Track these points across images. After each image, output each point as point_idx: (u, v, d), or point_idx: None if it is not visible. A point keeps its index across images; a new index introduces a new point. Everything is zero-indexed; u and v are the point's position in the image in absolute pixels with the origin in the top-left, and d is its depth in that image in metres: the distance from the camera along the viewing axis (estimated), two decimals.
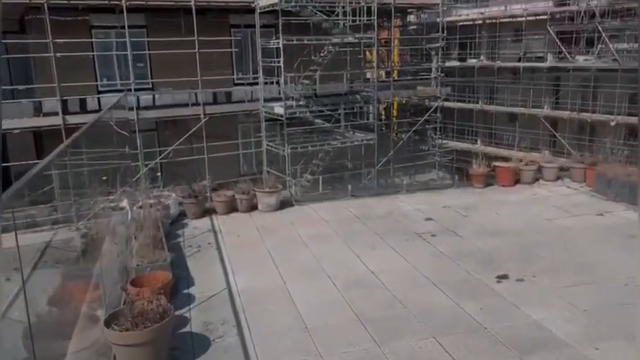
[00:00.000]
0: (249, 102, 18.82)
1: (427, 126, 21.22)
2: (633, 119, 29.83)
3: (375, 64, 17.87)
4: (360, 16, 17.99)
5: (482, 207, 12.55)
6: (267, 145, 18.57)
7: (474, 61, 36.60)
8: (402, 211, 12.60)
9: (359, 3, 17.70)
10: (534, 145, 34.42)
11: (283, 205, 13.19)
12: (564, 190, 13.63)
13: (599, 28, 30.15)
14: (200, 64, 17.15)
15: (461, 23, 36.50)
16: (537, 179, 14.36)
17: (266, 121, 18.59)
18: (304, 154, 18.31)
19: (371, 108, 19.34)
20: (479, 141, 37.58)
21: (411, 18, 28.18)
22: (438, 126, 20.96)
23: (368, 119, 18.76)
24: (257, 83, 18.63)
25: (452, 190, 14.24)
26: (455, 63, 36.09)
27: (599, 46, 30.63)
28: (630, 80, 30.11)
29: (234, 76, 19.44)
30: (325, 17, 17.24)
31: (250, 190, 12.91)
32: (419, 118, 20.65)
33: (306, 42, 17.44)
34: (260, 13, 17.80)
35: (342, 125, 18.41)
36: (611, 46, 30.07)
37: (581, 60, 31.28)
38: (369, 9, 17.91)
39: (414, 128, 20.16)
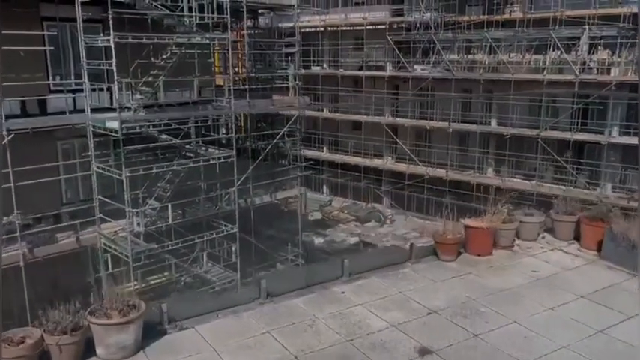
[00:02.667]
0: (71, 113, 14.57)
1: (286, 138, 18.85)
2: (466, 126, 30.81)
3: (230, 69, 15.00)
4: (208, 13, 14.92)
5: (486, 308, 7.81)
6: (98, 167, 14.56)
7: (318, 68, 35.31)
8: (370, 331, 7.18)
9: None
10: (378, 151, 34.18)
11: (147, 333, 6.64)
12: (565, 260, 9.43)
13: (434, 39, 30.63)
14: (0, 66, 12.59)
15: (303, 30, 34.95)
16: (514, 239, 10.34)
17: (95, 137, 14.55)
18: (147, 177, 14.66)
19: (224, 119, 16.32)
20: (325, 149, 36.46)
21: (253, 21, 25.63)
22: (299, 138, 18.69)
23: (227, 133, 15.71)
24: (82, 90, 14.52)
25: (413, 269, 9.07)
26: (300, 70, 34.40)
27: (434, 56, 31.16)
28: (462, 89, 31.10)
29: (50, 81, 14.97)
30: (168, 12, 13.85)
31: (81, 321, 6.24)
32: (277, 130, 18.19)
33: (145, 41, 13.83)
34: (82, 3, 13.78)
35: (193, 141, 15.18)
36: (444, 56, 30.71)
37: (418, 69, 31.54)
38: (219, 6, 14.90)
39: (275, 141, 17.63)
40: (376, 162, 33.72)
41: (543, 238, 10.58)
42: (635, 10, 25.20)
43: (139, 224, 14.59)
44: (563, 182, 27.63)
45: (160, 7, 13.66)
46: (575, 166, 27.24)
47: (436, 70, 30.87)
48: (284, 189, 19.26)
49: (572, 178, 27.43)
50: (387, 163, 33.51)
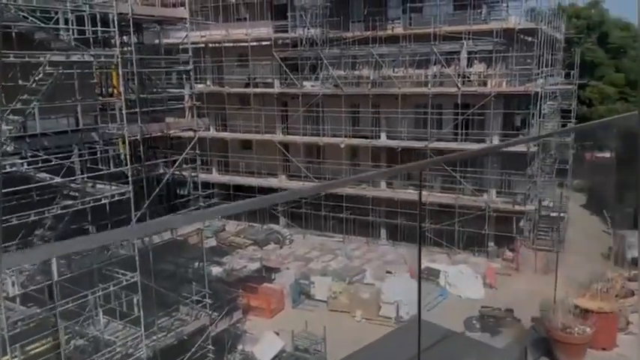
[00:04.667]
0: None
1: (184, 165, 16.67)
2: (357, 141, 30.59)
3: (121, 90, 12.64)
4: (89, 26, 12.47)
5: None
6: None
7: (201, 86, 32.99)
8: None
9: (90, 9, 12.18)
10: (271, 170, 32.75)
11: None
12: None
13: (321, 55, 30.06)
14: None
15: (183, 46, 32.50)
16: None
17: None
18: (23, 226, 11.77)
19: (112, 150, 13.82)
20: (214, 170, 34.18)
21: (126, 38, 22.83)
22: (198, 165, 16.62)
23: (118, 165, 13.23)
24: None
25: None
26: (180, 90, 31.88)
27: (322, 72, 30.59)
28: (351, 105, 30.85)
29: None
30: (41, 25, 11.21)
31: None
32: (174, 157, 15.99)
33: (12, 59, 11.05)
34: None
35: (79, 177, 12.54)
36: (332, 72, 30.26)
37: (308, 86, 30.76)
38: (103, 18, 12.53)
39: (173, 169, 15.42)
40: (270, 181, 32.25)
41: None
42: (506, 25, 26.69)
43: (13, 284, 11.64)
44: (452, 190, 28.44)
45: (30, 18, 11.00)
46: (463, 175, 28.11)
47: (325, 87, 30.31)
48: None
49: (461, 186, 28.30)
50: (281, 181, 32.20)
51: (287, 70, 30.80)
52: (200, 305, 17.46)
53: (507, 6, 28.36)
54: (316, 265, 27.31)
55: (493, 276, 24.98)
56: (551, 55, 29.67)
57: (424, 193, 28.87)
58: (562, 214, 29.07)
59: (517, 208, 26.55)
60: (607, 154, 40.16)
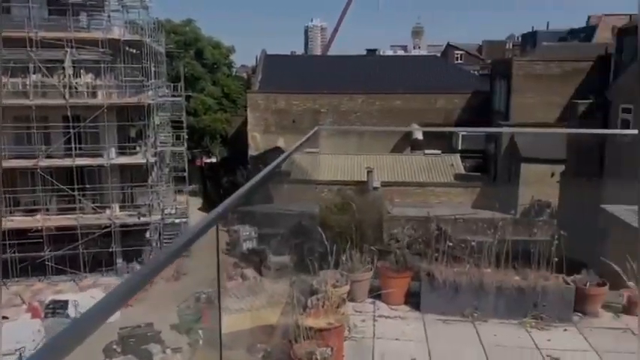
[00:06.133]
0: None
1: None
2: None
3: None
4: None
5: None
6: None
7: None
8: None
9: None
10: None
11: None
12: (406, 327, 5.98)
13: None
14: None
15: None
16: None
17: None
18: None
19: None
20: None
21: None
22: None
23: None
24: None
25: None
26: None
27: None
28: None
29: None
30: None
31: None
32: None
33: None
34: None
35: None
36: None
37: None
38: None
39: None
40: None
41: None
42: (110, 36, 26.03)
43: None
44: (72, 211, 26.14)
45: None
46: (81, 192, 26.19)
47: None
48: None
49: (80, 204, 26.30)
50: None
51: None
52: None
53: (109, 16, 27.68)
54: None
55: None
56: (157, 67, 30.64)
57: (38, 217, 25.60)
58: (184, 220, 30.53)
59: (143, 219, 26.47)
60: (214, 159, 44.63)
